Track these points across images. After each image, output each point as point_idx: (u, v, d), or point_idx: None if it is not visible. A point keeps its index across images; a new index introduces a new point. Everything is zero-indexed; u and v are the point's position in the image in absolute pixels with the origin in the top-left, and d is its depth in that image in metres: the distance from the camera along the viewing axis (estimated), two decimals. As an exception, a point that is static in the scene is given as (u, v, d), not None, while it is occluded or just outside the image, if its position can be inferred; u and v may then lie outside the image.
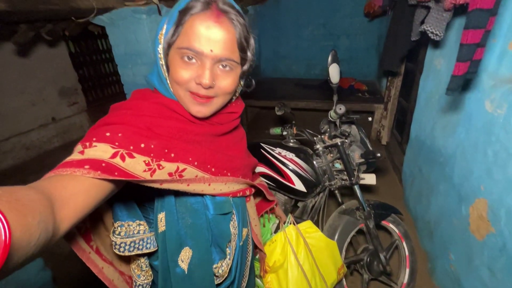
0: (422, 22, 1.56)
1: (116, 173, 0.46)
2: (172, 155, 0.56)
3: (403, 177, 2.50)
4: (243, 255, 0.80)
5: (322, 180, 1.39)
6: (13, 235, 0.26)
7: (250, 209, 0.88)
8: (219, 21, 0.53)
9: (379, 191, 2.53)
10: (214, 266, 0.70)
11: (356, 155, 1.37)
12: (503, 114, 1.17)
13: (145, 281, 0.67)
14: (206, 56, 0.54)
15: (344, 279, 1.40)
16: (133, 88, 0.72)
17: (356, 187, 1.37)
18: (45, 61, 3.72)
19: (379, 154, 1.22)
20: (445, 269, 1.58)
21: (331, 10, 4.31)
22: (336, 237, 1.38)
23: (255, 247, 0.97)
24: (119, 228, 0.59)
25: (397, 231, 1.53)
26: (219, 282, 0.72)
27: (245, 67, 0.62)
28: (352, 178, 1.33)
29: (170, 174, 0.55)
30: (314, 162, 1.39)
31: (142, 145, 0.52)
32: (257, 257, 1.11)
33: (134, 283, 0.67)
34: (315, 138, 1.39)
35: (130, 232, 0.60)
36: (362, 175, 1.40)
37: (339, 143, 1.30)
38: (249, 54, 0.61)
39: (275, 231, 1.17)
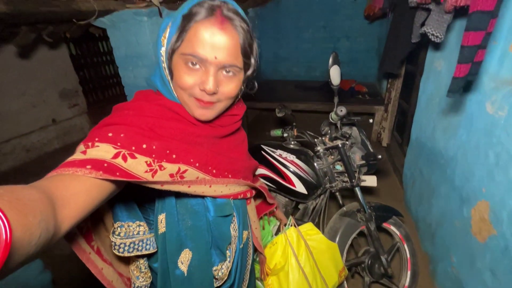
0: (423, 24, 1.56)
1: (117, 174, 0.46)
2: (174, 156, 0.56)
3: (403, 179, 2.49)
4: (243, 258, 0.79)
5: (323, 182, 1.39)
6: (13, 234, 0.26)
7: (250, 211, 0.88)
8: (223, 27, 0.53)
9: (380, 193, 2.53)
10: (214, 268, 0.69)
11: (357, 157, 1.37)
12: (504, 116, 1.16)
13: (144, 283, 0.66)
14: (210, 62, 0.54)
15: (345, 282, 1.39)
16: (134, 90, 0.72)
17: (357, 189, 1.36)
18: (46, 63, 3.73)
19: (380, 156, 1.22)
20: (447, 272, 1.57)
21: (331, 12, 4.32)
22: (337, 239, 1.37)
23: (255, 250, 0.96)
24: (118, 228, 0.59)
25: (398, 233, 1.52)
26: (218, 284, 0.71)
27: (249, 72, 0.62)
28: (353, 180, 1.33)
29: (171, 175, 0.55)
30: (315, 164, 1.38)
31: (144, 146, 0.53)
32: (257, 259, 1.11)
33: (133, 285, 0.66)
34: (315, 140, 1.39)
35: (130, 233, 0.60)
36: (363, 177, 1.40)
37: (340, 145, 1.30)
38: (252, 60, 0.61)
39: (276, 233, 1.17)
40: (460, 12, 1.30)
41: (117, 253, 0.58)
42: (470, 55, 1.05)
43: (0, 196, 0.29)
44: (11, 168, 3.43)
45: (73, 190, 0.41)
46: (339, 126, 1.33)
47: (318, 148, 1.37)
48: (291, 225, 1.15)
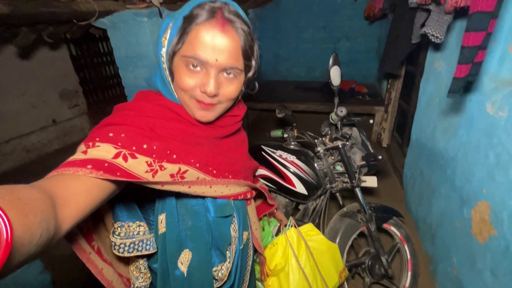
0: (423, 25, 1.56)
1: (118, 173, 0.46)
2: (174, 156, 0.57)
3: (404, 179, 2.49)
4: (243, 259, 0.79)
5: (323, 183, 1.39)
6: (14, 234, 0.26)
7: (250, 212, 0.87)
8: (224, 30, 0.53)
9: (380, 194, 2.53)
10: (214, 269, 0.69)
11: (357, 157, 1.37)
12: (505, 116, 1.17)
13: (143, 284, 0.66)
14: (211, 65, 0.54)
15: (345, 283, 1.39)
16: (134, 91, 0.73)
17: (357, 190, 1.36)
18: (46, 63, 3.73)
19: (380, 157, 1.22)
20: (447, 273, 1.57)
21: (331, 13, 4.33)
22: (337, 240, 1.37)
23: (255, 251, 0.96)
24: (119, 228, 0.59)
25: (398, 234, 1.52)
26: (218, 285, 0.71)
27: (249, 74, 0.62)
28: (353, 181, 1.33)
29: (172, 176, 0.55)
30: (315, 165, 1.38)
31: (145, 146, 0.53)
32: (257, 260, 1.10)
33: (132, 286, 0.66)
34: (316, 140, 1.39)
35: (130, 233, 0.60)
36: (363, 178, 1.39)
37: (340, 146, 1.30)
38: (253, 61, 0.61)
39: (276, 234, 1.17)
40: (460, 12, 1.30)
41: (117, 253, 0.58)
42: (470, 56, 1.05)
43: (1, 196, 0.29)
44: (11, 169, 3.43)
45: (74, 190, 0.41)
46: (339, 127, 1.33)
47: (319, 148, 1.36)
48: (292, 226, 1.14)
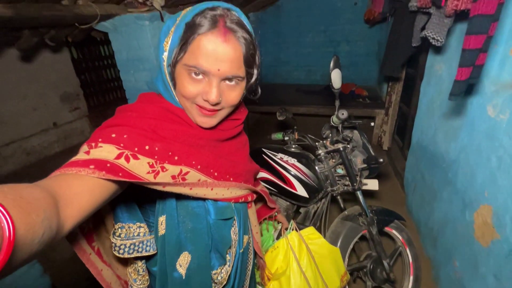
0: (423, 28, 1.57)
1: (120, 174, 0.47)
2: (176, 158, 0.57)
3: (405, 182, 2.48)
4: (243, 263, 0.78)
5: (324, 186, 1.38)
6: (17, 232, 0.26)
7: (251, 215, 0.87)
8: (226, 39, 0.53)
9: (381, 197, 2.52)
10: (213, 272, 0.69)
11: (358, 160, 1.36)
12: (506, 119, 1.16)
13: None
14: (213, 74, 0.54)
15: (347, 287, 1.38)
16: (135, 94, 0.73)
17: (358, 193, 1.36)
18: (47, 66, 3.75)
19: (381, 160, 1.22)
20: (450, 277, 1.55)
21: (331, 16, 4.36)
22: (339, 244, 1.36)
23: (255, 255, 0.95)
24: (119, 229, 0.59)
25: (400, 237, 1.51)
26: None
27: (251, 80, 0.62)
28: (355, 184, 1.32)
29: (173, 177, 0.55)
30: (316, 168, 1.38)
31: (147, 147, 0.53)
32: (257, 264, 1.10)
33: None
34: (317, 143, 1.39)
35: (130, 234, 0.59)
36: (364, 181, 1.39)
37: (341, 149, 1.30)
38: (255, 69, 0.61)
39: (277, 238, 1.16)
40: (460, 16, 1.31)
41: (117, 254, 0.58)
42: (471, 59, 1.05)
43: (4, 194, 0.29)
44: (12, 172, 3.42)
45: (76, 190, 0.41)
46: (340, 130, 1.33)
47: (319, 151, 1.36)
48: (293, 229, 1.14)
